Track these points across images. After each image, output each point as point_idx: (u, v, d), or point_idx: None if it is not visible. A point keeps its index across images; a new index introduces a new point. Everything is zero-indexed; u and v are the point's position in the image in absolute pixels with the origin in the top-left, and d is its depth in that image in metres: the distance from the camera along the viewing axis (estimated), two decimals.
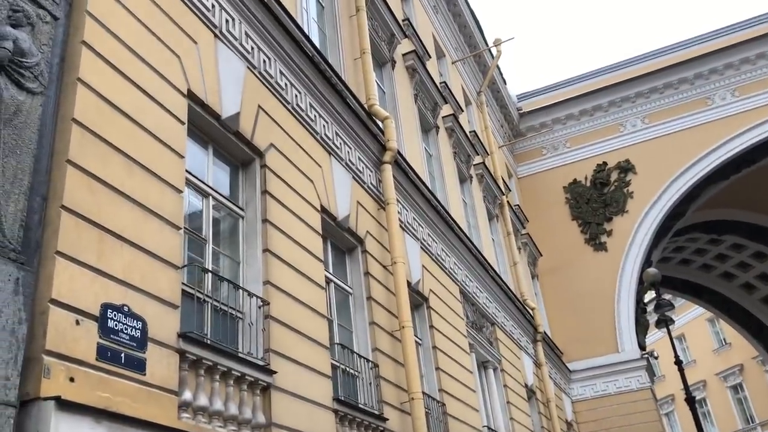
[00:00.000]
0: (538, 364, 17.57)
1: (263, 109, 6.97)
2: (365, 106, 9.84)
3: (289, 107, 7.61)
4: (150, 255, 4.78)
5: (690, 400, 16.98)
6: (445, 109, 15.51)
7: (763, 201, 28.31)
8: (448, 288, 12.01)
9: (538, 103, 25.15)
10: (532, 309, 18.17)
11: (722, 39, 23.30)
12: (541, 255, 22.98)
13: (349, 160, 8.96)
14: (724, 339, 38.81)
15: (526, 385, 15.71)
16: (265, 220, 6.46)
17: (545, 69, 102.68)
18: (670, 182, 22.68)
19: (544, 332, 19.08)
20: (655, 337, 42.11)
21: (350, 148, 9.11)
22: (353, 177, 8.95)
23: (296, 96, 7.82)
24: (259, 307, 6.00)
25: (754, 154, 22.82)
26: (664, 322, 17.93)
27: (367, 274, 8.65)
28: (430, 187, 12.55)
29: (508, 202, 19.98)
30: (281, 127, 7.26)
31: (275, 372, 5.82)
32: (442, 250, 12.29)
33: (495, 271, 15.80)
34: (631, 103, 23.95)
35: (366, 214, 9.10)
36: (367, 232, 8.97)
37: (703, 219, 28.86)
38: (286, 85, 7.63)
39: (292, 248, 6.75)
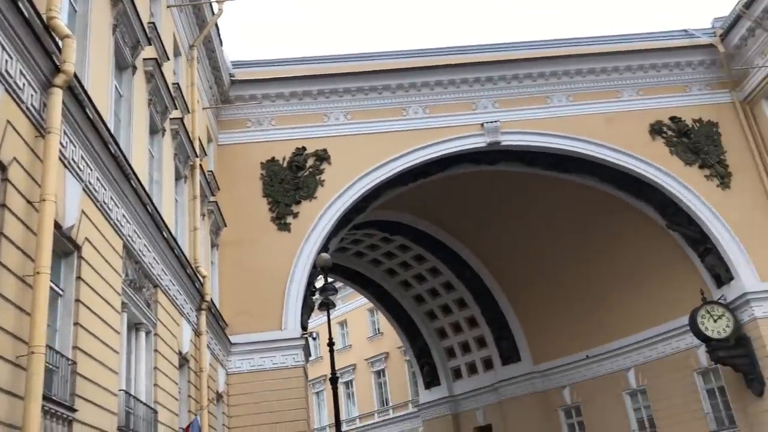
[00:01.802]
0: (197, 333, 17.24)
1: None
2: (43, 17, 8.52)
3: None
4: None
5: (333, 380, 18.27)
6: (148, 51, 14.36)
7: (431, 210, 31.91)
8: (110, 240, 11.05)
9: (253, 74, 24.89)
10: (203, 277, 17.78)
11: (429, 58, 25.64)
12: (226, 226, 22.72)
13: (6, 71, 7.63)
14: (379, 328, 42.93)
15: (180, 353, 15.27)
16: None
17: (271, 42, 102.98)
18: (358, 178, 24.17)
19: (212, 302, 18.84)
20: (322, 320, 44.89)
21: (10, 57, 7.77)
22: (6, 90, 7.63)
23: None
24: None
25: (430, 168, 25.47)
26: (326, 305, 19.03)
27: (2, 206, 7.45)
28: (112, 129, 11.43)
29: (201, 165, 19.32)
30: None
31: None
32: (111, 198, 11.28)
33: (171, 233, 15.09)
34: (338, 97, 24.99)
35: (17, 137, 7.85)
36: (15, 158, 7.73)
37: (380, 218, 31.49)
38: None
39: None
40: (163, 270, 14.42)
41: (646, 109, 25.98)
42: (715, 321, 24.30)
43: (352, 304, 44.05)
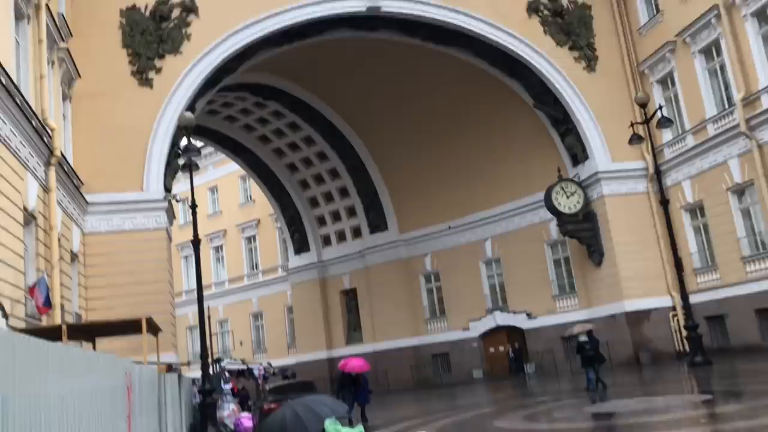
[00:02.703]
0: (46, 189, 16.16)
1: None
2: None
3: None
4: None
5: (195, 243, 17.99)
6: None
7: (307, 77, 30.99)
8: None
9: None
10: (52, 130, 16.44)
11: None
12: (80, 77, 20.89)
13: None
14: (251, 196, 42.48)
15: (25, 209, 14.28)
16: None
17: None
18: (229, 35, 22.78)
19: (63, 157, 17.58)
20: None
21: None
22: None
23: None
24: None
25: (307, 30, 24.41)
26: (189, 167, 18.35)
27: None
28: None
29: (48, 6, 17.30)
30: None
31: None
32: None
33: (11, 79, 13.60)
34: None
35: None
36: None
37: (253, 81, 30.23)
38: None
39: None
40: (1, 119, 13.11)
41: None
42: (567, 197, 26.00)
43: (224, 169, 43.04)
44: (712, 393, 12.30)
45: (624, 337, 24.66)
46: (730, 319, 22.52)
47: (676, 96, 24.80)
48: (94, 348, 13.91)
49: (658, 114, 20.84)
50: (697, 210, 24.20)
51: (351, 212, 35.70)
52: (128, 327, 12.11)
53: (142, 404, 8.32)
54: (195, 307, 32.63)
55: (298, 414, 5.90)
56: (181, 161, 23.16)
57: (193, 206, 17.88)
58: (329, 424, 5.03)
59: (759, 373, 15.17)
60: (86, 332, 13.80)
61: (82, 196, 20.48)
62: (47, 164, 16.38)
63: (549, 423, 11.25)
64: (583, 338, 16.99)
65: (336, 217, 36.36)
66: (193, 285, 43.29)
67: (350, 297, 36.05)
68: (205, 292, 43.78)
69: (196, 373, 23.05)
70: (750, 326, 21.69)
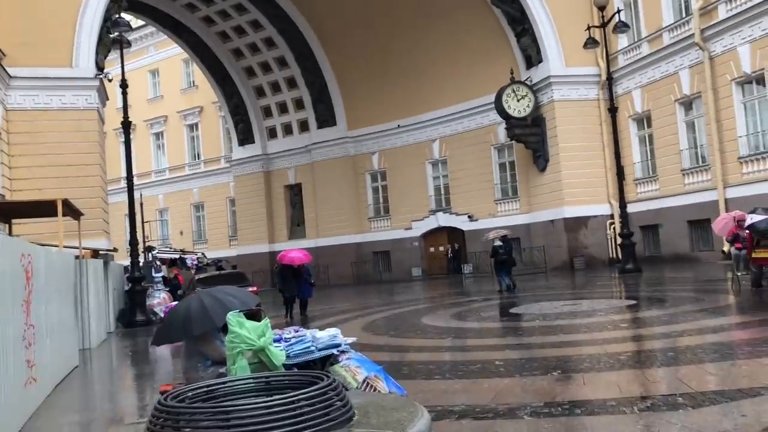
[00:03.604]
0: None
1: None
2: None
3: None
4: None
5: (125, 125, 17.06)
6: None
7: None
8: None
9: None
10: None
11: None
12: None
13: None
14: (194, 81, 40.61)
15: None
16: None
17: None
18: None
19: None
20: (132, 65, 41.43)
21: None
22: None
23: None
24: None
25: None
26: (120, 44, 17.10)
27: None
28: None
29: None
30: None
31: None
32: None
33: None
34: None
35: None
36: None
37: None
38: None
39: None
40: None
41: None
42: (518, 100, 25.59)
43: (166, 52, 40.72)
44: (637, 299, 12.56)
45: (561, 242, 25.12)
46: (664, 229, 23.08)
47: (636, 1, 24.16)
48: (9, 231, 13.18)
49: (616, 18, 20.25)
50: (644, 120, 24.19)
51: (299, 104, 34.61)
52: (44, 209, 11.42)
53: (50, 290, 7.85)
54: (135, 194, 31.75)
55: (204, 304, 5.53)
56: (114, 37, 21.68)
57: (123, 85, 16.81)
58: (231, 316, 4.66)
59: (684, 281, 15.62)
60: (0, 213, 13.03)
61: (4, 68, 19.02)
62: None
63: (474, 322, 11.32)
64: (498, 243, 17.26)
65: (283, 108, 35.24)
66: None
67: (295, 192, 35.59)
68: (145, 180, 43.08)
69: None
70: (681, 236, 22.29)
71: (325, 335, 5.11)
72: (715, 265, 18.78)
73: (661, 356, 6.92)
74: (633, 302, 12.10)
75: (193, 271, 23.09)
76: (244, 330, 4.82)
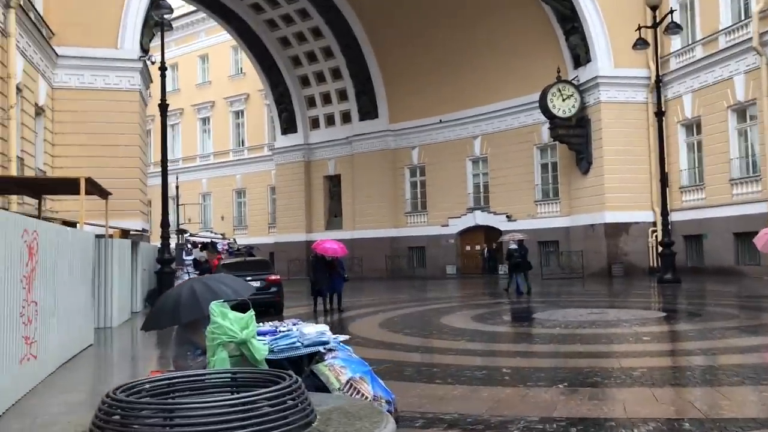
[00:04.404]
0: (4, 33, 15.10)
1: None
2: None
3: None
4: None
5: (162, 107, 17.16)
6: None
7: None
8: None
9: None
10: None
11: None
12: None
13: None
14: (242, 68, 40.90)
15: None
16: None
17: None
18: None
19: (30, 2, 16.39)
20: (181, 50, 42.05)
21: None
22: None
23: None
24: None
25: None
26: (161, 25, 17.21)
27: None
28: None
29: None
30: None
31: None
32: None
33: None
34: None
35: None
36: None
37: None
38: None
39: None
40: None
41: None
42: (563, 100, 24.94)
43: (216, 38, 41.11)
44: (669, 311, 12.03)
45: (600, 248, 24.43)
46: (708, 240, 22.21)
47: (692, 2, 23.24)
48: (39, 207, 13.36)
49: (668, 19, 19.49)
50: (693, 126, 23.30)
51: (342, 96, 34.51)
52: (71, 186, 11.52)
53: (60, 268, 7.86)
54: (173, 178, 32.12)
55: (195, 291, 5.38)
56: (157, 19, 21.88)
57: (163, 68, 16.93)
58: (215, 305, 4.50)
59: (723, 295, 14.93)
60: (28, 187, 13.22)
61: (52, 48, 19.39)
62: (6, 6, 15.23)
63: (492, 325, 10.98)
64: (513, 246, 17.87)
65: (326, 99, 35.20)
66: (177, 155, 42.82)
67: (334, 183, 35.56)
68: (190, 164, 43.78)
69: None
70: (726, 249, 21.40)
71: (312, 331, 4.91)
72: (760, 281, 17.95)
73: (678, 375, 6.52)
74: (663, 314, 11.59)
75: (223, 256, 23.25)
76: (226, 321, 4.66)
